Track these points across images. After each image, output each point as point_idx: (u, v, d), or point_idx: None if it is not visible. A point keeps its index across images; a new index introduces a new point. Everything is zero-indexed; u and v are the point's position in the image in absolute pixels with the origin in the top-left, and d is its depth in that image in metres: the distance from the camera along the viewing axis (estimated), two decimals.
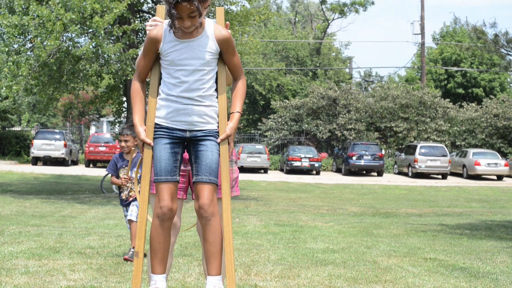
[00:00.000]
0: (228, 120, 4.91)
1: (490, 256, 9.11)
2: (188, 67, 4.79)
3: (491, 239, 11.86)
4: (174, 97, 4.79)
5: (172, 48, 4.81)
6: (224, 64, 4.95)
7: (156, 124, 4.86)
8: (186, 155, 5.05)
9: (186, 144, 4.89)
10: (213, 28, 4.85)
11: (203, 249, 4.85)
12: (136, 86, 4.95)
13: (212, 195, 4.73)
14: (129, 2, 20.24)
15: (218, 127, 4.88)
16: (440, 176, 40.83)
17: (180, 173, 5.16)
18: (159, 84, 4.93)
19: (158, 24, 4.96)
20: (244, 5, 23.77)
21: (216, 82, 4.93)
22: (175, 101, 4.80)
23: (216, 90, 4.92)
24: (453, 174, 42.14)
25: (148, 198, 4.90)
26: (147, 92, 5.09)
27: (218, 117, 4.90)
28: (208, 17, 24.88)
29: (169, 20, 4.79)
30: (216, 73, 4.93)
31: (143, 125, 4.87)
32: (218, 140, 4.83)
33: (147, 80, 5.06)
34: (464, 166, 41.19)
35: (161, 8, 5.07)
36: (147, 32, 4.96)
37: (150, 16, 24.50)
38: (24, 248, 8.69)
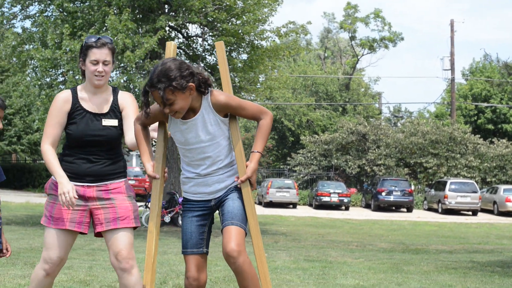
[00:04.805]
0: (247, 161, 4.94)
1: None
2: (196, 145, 4.81)
3: None
4: (194, 174, 4.89)
5: (176, 129, 4.84)
6: (235, 116, 4.91)
7: (184, 198, 4.99)
8: (84, 191, 5.18)
9: (214, 210, 4.99)
10: (209, 98, 4.77)
11: None
12: (139, 128, 5.01)
13: (238, 238, 4.66)
14: (159, 37, 20.42)
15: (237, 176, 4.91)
16: (470, 213, 40.46)
17: (81, 208, 5.21)
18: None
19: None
20: (274, 41, 23.90)
21: None
22: (194, 178, 4.88)
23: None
24: (484, 210, 41.69)
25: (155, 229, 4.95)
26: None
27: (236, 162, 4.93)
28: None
29: None
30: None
31: (151, 162, 4.95)
32: (238, 182, 4.82)
33: None
34: (494, 202, 40.79)
35: (170, 45, 5.05)
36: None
37: (181, 51, 24.70)
38: (55, 281, 8.70)
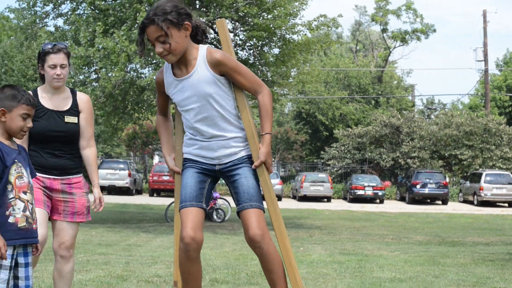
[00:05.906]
0: (259, 140, 4.74)
1: None
2: (193, 105, 4.63)
3: None
4: (197, 136, 4.71)
5: (173, 89, 4.69)
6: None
7: (185, 158, 4.81)
8: (50, 183, 5.46)
9: (217, 176, 4.80)
10: (205, 54, 4.65)
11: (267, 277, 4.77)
12: (159, 119, 5.02)
13: (259, 221, 4.54)
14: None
15: (249, 150, 4.72)
16: (506, 204, 40.10)
17: (46, 195, 5.50)
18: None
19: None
20: (305, 34, 23.83)
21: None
22: (199, 140, 4.70)
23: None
24: None
25: None
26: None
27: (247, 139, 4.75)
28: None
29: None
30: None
31: (171, 155, 4.91)
32: (253, 167, 4.66)
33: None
34: None
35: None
36: None
37: (213, 46, 24.71)
38: (92, 276, 8.76)
